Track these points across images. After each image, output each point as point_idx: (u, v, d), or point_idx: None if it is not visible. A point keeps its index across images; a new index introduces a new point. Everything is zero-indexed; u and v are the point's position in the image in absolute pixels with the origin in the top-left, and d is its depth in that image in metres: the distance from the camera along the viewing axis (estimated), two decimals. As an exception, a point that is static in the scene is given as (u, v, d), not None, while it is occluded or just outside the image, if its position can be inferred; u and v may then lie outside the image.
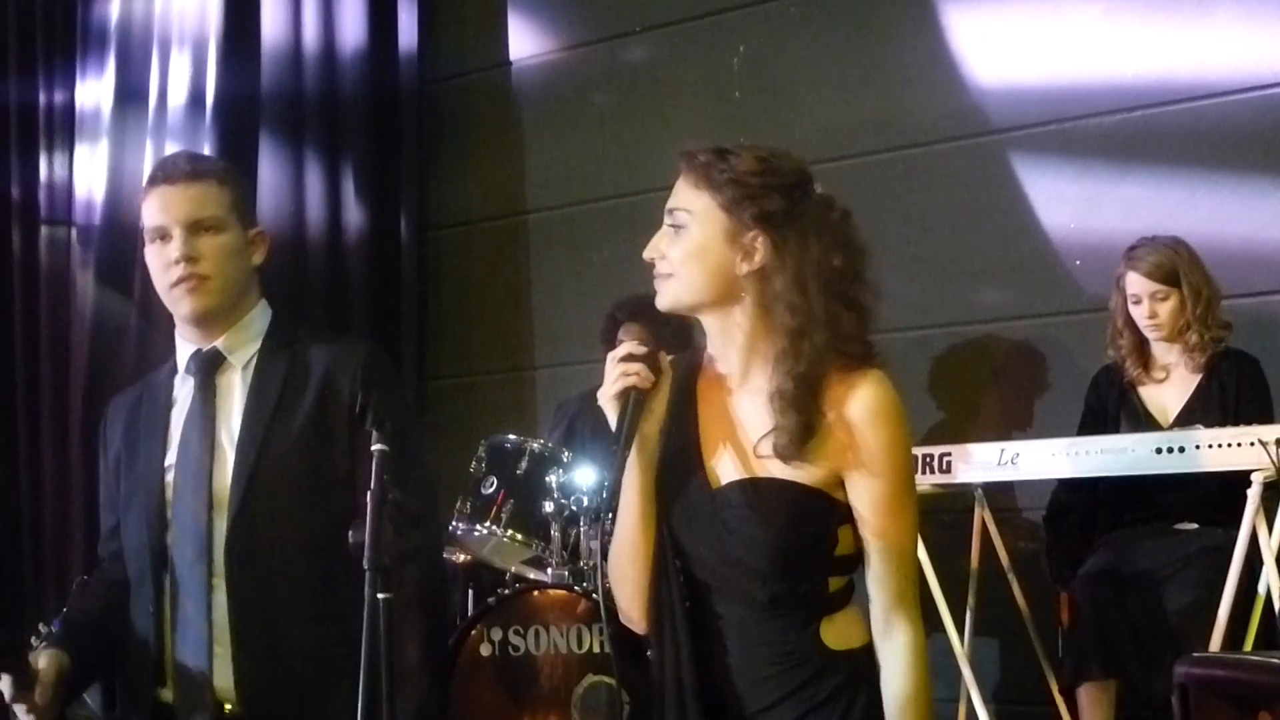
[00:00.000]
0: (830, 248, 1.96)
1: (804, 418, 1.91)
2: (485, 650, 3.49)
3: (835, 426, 1.93)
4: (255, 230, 2.49)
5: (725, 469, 1.99)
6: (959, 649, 3.71)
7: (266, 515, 2.32)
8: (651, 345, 2.01)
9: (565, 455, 3.71)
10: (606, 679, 3.41)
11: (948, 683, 3.92)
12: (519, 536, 3.69)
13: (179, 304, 2.37)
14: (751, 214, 1.94)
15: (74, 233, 5.73)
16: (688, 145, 2.03)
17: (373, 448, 2.02)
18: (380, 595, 1.99)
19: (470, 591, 3.99)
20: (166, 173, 2.40)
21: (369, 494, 2.01)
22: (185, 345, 2.47)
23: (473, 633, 3.51)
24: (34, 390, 5.64)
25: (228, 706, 2.31)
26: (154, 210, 2.36)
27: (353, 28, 5.45)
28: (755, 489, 1.95)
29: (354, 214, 5.41)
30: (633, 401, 1.94)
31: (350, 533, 1.99)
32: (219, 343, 2.42)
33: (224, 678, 2.31)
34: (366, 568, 1.96)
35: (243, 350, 2.43)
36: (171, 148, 5.59)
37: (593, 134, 5.34)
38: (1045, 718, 3.95)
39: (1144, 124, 4.40)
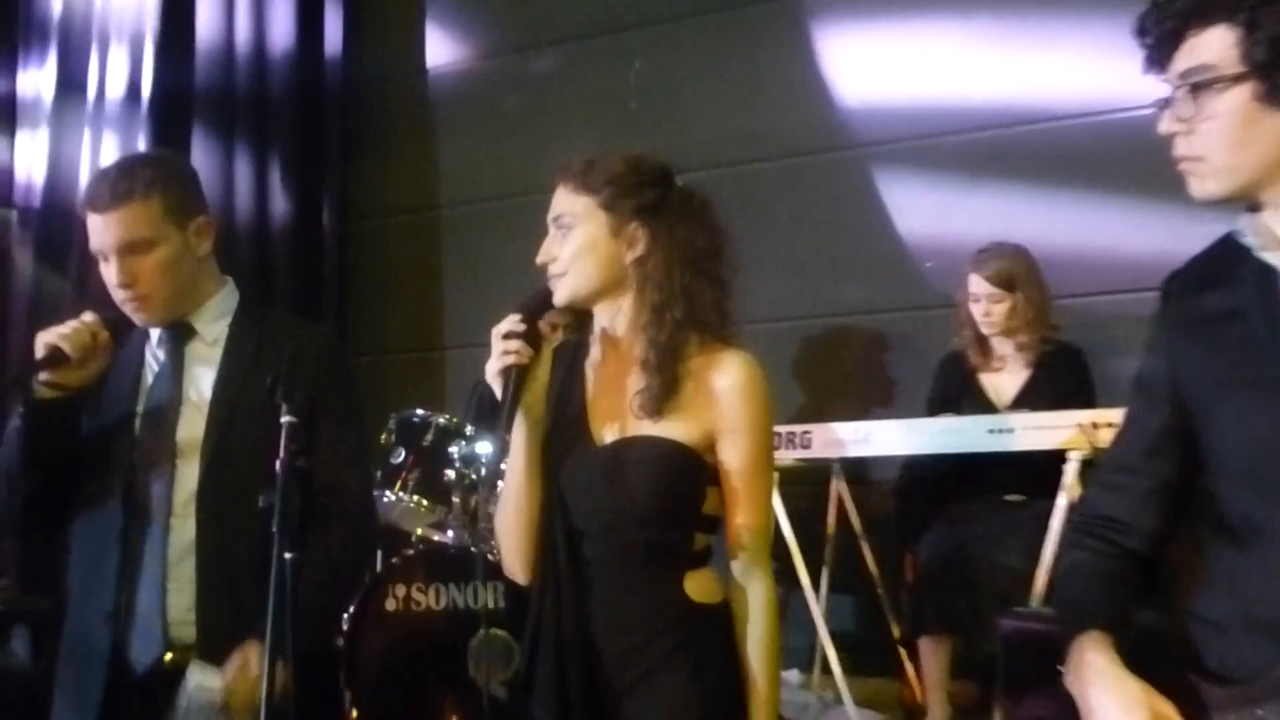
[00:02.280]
0: (694, 231, 2.06)
1: (665, 379, 1.98)
2: (390, 605, 3.48)
3: (702, 396, 1.99)
4: (197, 222, 2.39)
5: (609, 431, 2.05)
6: (815, 604, 3.80)
7: (235, 466, 2.30)
8: (529, 316, 2.02)
9: (468, 429, 3.73)
10: (499, 631, 3.44)
11: (806, 633, 4.00)
12: (424, 502, 3.72)
13: (132, 316, 2.37)
14: (630, 208, 2.03)
15: (14, 215, 5.62)
16: (568, 156, 2.09)
17: (282, 419, 2.04)
18: (286, 555, 2.03)
19: (380, 552, 4.00)
20: (93, 200, 2.31)
21: (278, 461, 2.03)
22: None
23: (379, 589, 3.52)
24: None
25: (170, 654, 2.29)
26: (91, 234, 2.32)
27: (282, 29, 5.40)
28: (633, 444, 2.01)
29: (280, 204, 5.36)
30: (514, 377, 1.97)
31: (260, 496, 2.00)
32: (189, 319, 2.42)
33: (179, 612, 2.29)
34: (274, 529, 1.99)
35: (213, 326, 2.43)
36: (109, 137, 5.51)
37: (501, 137, 5.34)
38: (890, 665, 4.07)
39: (992, 143, 4.51)
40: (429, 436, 3.73)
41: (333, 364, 2.44)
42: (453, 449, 3.70)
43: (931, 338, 4.39)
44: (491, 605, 3.46)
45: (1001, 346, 3.95)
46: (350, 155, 5.54)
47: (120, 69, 5.50)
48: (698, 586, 2.02)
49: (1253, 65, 1.49)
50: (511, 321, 2.00)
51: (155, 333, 2.46)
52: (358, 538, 2.48)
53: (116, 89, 5.51)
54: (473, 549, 3.57)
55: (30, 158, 5.63)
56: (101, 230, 2.29)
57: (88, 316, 2.28)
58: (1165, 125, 1.53)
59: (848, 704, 3.52)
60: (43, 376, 2.24)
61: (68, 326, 2.24)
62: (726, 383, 1.99)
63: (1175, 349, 1.68)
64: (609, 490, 2.00)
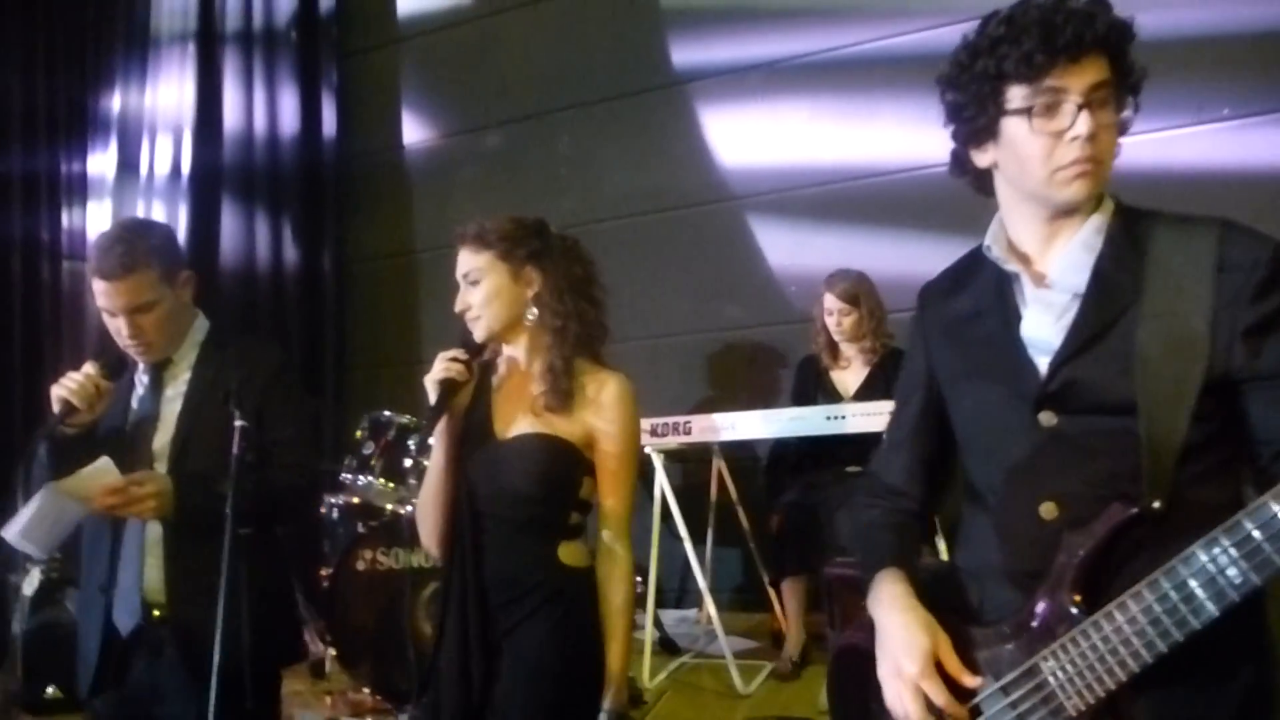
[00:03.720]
0: (573, 264, 2.00)
1: (563, 385, 1.92)
2: (360, 565, 3.37)
3: (587, 405, 1.93)
4: (183, 276, 2.22)
5: (508, 430, 1.96)
6: (696, 558, 3.65)
7: (195, 466, 2.16)
8: (471, 354, 1.96)
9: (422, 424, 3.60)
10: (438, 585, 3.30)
11: (691, 585, 3.90)
12: (389, 484, 3.58)
13: (138, 358, 2.20)
14: (522, 255, 1.96)
15: (87, 267, 5.48)
16: (462, 224, 2.02)
17: (235, 424, 2.01)
18: (242, 531, 1.99)
19: (358, 523, 3.87)
20: (102, 270, 2.12)
21: (232, 456, 2.00)
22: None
23: (351, 553, 3.39)
24: (51, 370, 5.38)
25: (156, 611, 2.15)
26: (99, 295, 2.14)
27: (289, 118, 5.30)
28: (524, 439, 1.93)
29: (291, 253, 5.24)
30: (446, 388, 1.90)
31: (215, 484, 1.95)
32: (169, 354, 2.25)
33: (153, 584, 2.16)
34: (228, 510, 1.95)
35: (187, 355, 2.26)
36: (157, 205, 5.40)
37: (462, 197, 5.25)
38: (760, 604, 3.96)
39: (835, 193, 4.46)
40: (392, 432, 3.60)
41: (278, 374, 2.29)
42: (410, 441, 3.57)
43: (793, 345, 4.31)
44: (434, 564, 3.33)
45: (847, 350, 3.85)
46: (344, 214, 5.43)
47: (166, 152, 5.43)
48: (569, 553, 1.93)
49: (1129, 89, 1.35)
50: (457, 350, 1.95)
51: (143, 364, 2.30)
52: (302, 472, 2.28)
53: (163, 168, 5.44)
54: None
55: (98, 222, 5.54)
56: (111, 295, 2.12)
57: (89, 368, 2.10)
58: (1085, 126, 1.28)
59: (722, 635, 3.40)
60: (60, 425, 2.09)
61: (74, 381, 2.07)
62: (605, 396, 1.94)
63: (929, 347, 1.57)
64: (503, 475, 1.92)
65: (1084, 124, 1.29)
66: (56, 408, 2.06)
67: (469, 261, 1.98)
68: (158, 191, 5.40)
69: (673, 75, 4.85)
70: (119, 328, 2.15)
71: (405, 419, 3.64)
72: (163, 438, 2.21)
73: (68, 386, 2.07)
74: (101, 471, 2.04)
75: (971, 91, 1.38)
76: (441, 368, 1.92)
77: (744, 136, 4.70)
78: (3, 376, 5.55)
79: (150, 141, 5.54)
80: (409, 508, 3.56)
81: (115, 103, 5.66)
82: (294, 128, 5.28)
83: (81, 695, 2.21)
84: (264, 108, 5.31)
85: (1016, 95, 1.32)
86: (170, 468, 2.18)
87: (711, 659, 3.66)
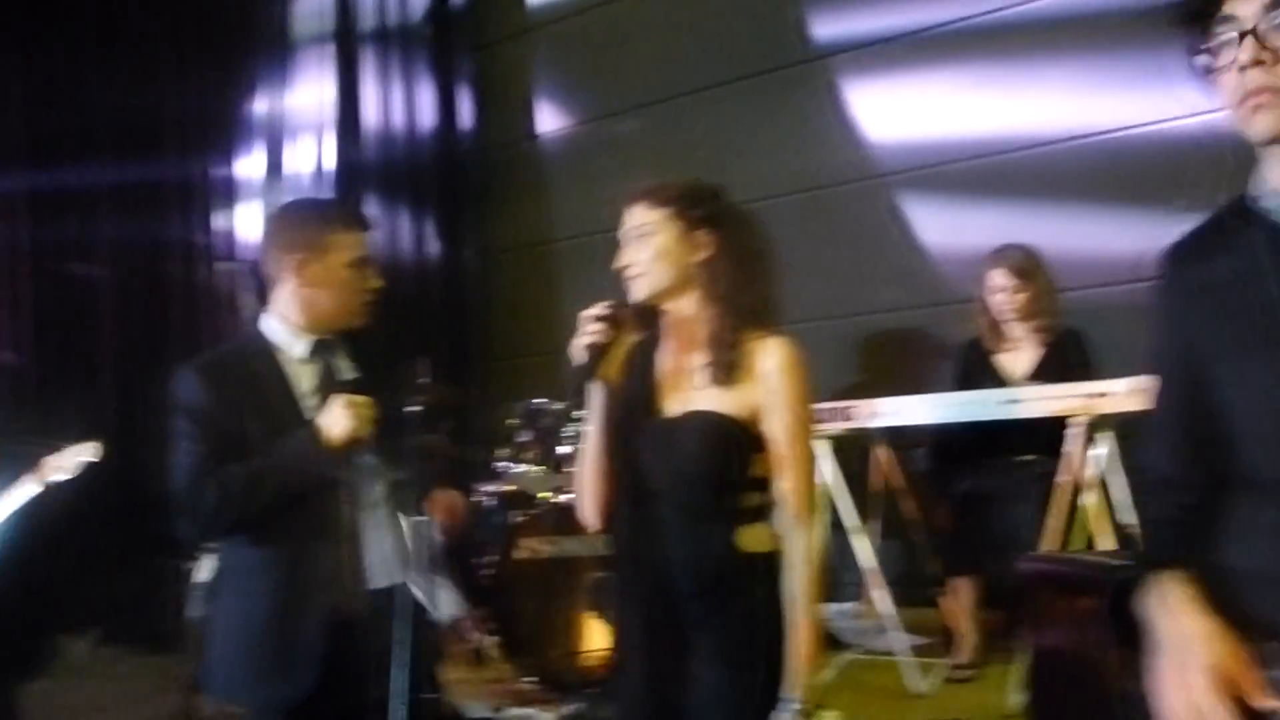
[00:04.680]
0: (747, 236, 1.91)
1: (726, 355, 1.82)
2: (521, 554, 3.35)
3: (753, 376, 1.82)
4: None
5: (673, 406, 1.87)
6: (867, 549, 3.53)
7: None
8: (616, 312, 1.85)
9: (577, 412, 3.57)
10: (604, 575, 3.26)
11: (849, 577, 3.77)
12: (544, 471, 3.57)
13: (362, 317, 2.18)
14: (697, 217, 1.87)
15: (239, 267, 5.70)
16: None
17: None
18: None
19: (515, 512, 3.86)
20: (364, 221, 2.22)
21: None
22: (293, 331, 2.18)
23: (512, 543, 3.37)
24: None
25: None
26: (349, 247, 2.14)
27: (426, 113, 5.35)
28: (691, 418, 1.84)
29: (432, 247, 5.30)
30: (594, 353, 1.82)
31: None
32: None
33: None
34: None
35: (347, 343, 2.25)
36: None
37: (598, 184, 5.20)
38: (924, 599, 3.81)
39: (993, 166, 4.23)
40: (547, 420, 3.57)
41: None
42: (566, 428, 3.54)
43: (948, 329, 4.10)
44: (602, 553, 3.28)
45: (1015, 331, 3.63)
46: (483, 206, 5.45)
47: (309, 153, 5.54)
48: (752, 538, 1.82)
49: None
50: (598, 308, 1.86)
51: (300, 349, 2.19)
52: None
53: (307, 168, 5.54)
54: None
55: (247, 224, 5.71)
56: (364, 245, 2.17)
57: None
58: (1248, 54, 1.19)
59: (897, 628, 3.26)
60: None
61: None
62: (770, 364, 1.81)
63: (1180, 317, 1.39)
64: (670, 456, 1.83)
65: (1246, 52, 1.18)
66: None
67: (641, 216, 1.88)
68: (303, 191, 5.53)
69: (811, 49, 4.71)
70: (371, 281, 2.15)
71: (558, 405, 3.61)
72: None
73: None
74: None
75: (1187, 39, 1.27)
76: (584, 330, 1.84)
77: (889, 110, 4.53)
78: (161, 380, 5.76)
79: (293, 143, 5.68)
80: (566, 496, 3.53)
81: (259, 106, 5.81)
82: (431, 122, 5.34)
83: None
84: (401, 104, 5.38)
85: (1203, 33, 1.24)
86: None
87: (878, 655, 3.52)
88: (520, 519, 3.46)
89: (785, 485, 1.82)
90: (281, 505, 2.01)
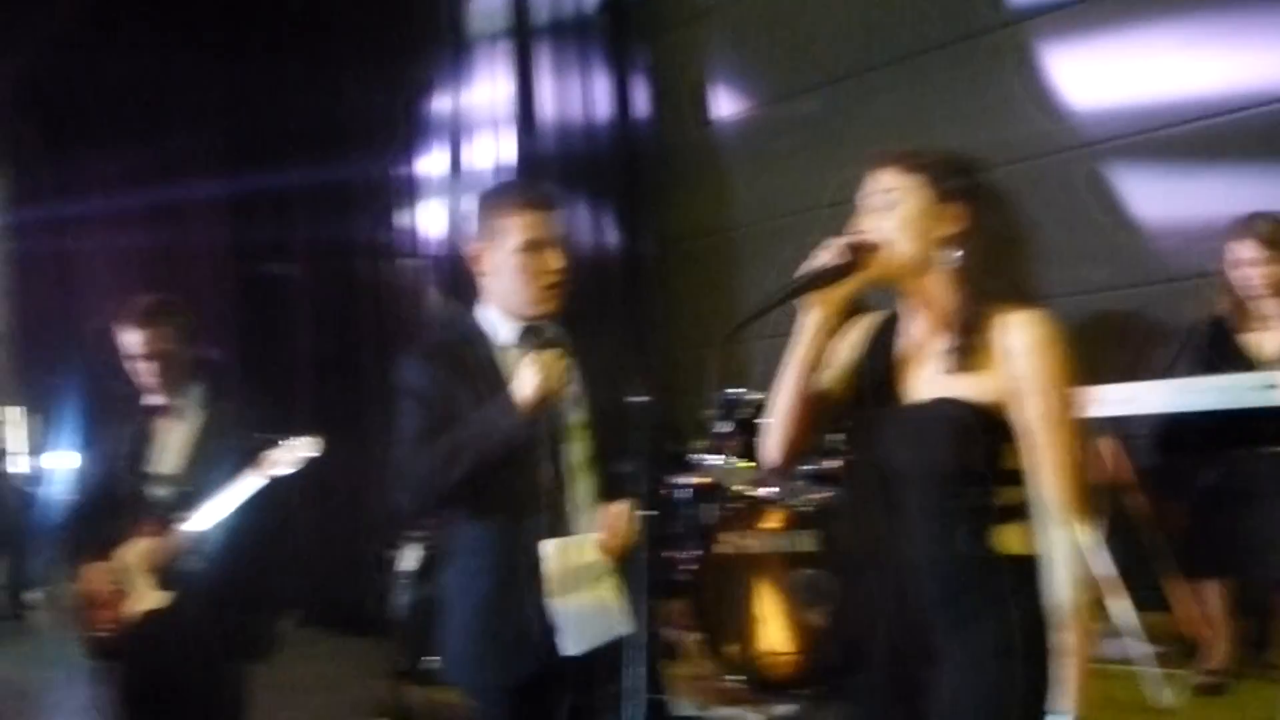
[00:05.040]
0: (1002, 213, 1.73)
1: (971, 339, 1.64)
2: (723, 549, 3.25)
3: (1002, 356, 1.64)
4: None
5: (913, 393, 1.72)
6: (1092, 547, 3.26)
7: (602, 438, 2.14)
8: (863, 241, 1.69)
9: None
10: (816, 569, 3.13)
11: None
12: (744, 464, 3.45)
13: (547, 301, 2.12)
14: (950, 188, 1.69)
15: (422, 263, 5.85)
16: (884, 147, 1.76)
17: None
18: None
19: (714, 505, 3.76)
20: (543, 199, 2.15)
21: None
22: (505, 318, 2.16)
23: (713, 537, 3.28)
24: (394, 366, 5.79)
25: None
26: (533, 226, 2.09)
27: (602, 105, 5.31)
28: (936, 405, 1.67)
29: (611, 239, 5.26)
30: (826, 271, 1.66)
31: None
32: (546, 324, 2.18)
33: None
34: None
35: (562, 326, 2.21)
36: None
37: (777, 169, 5.06)
38: (1157, 603, 3.48)
39: (1219, 128, 3.85)
40: (746, 410, 3.46)
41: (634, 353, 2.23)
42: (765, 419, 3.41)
43: (1165, 308, 3.76)
44: (803, 549, 3.16)
45: (1263, 308, 3.28)
46: (661, 196, 5.38)
47: (487, 149, 5.62)
48: (1006, 539, 1.64)
49: None
50: (848, 236, 1.70)
51: (506, 335, 2.17)
52: None
53: (485, 163, 5.62)
54: (786, 502, 3.28)
55: (429, 221, 5.85)
56: (549, 225, 2.12)
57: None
58: None
59: (1138, 636, 3.00)
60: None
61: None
62: (1021, 342, 1.62)
63: None
64: (911, 448, 1.67)
65: None
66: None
67: (892, 180, 1.70)
68: (483, 188, 5.61)
69: (1005, 14, 4.42)
70: (550, 264, 2.09)
71: (758, 395, 3.49)
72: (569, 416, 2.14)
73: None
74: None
75: None
76: (828, 248, 1.67)
77: (1094, 75, 4.18)
78: (354, 373, 5.98)
79: (471, 140, 5.77)
80: (768, 490, 3.41)
81: (438, 105, 5.93)
82: (607, 113, 5.30)
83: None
84: (577, 95, 5.37)
85: None
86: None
87: (1112, 664, 3.25)
88: (722, 513, 3.35)
89: (1043, 478, 1.62)
90: (485, 475, 2.01)
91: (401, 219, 6.00)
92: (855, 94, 4.82)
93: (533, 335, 2.15)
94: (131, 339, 2.72)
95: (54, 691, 6.17)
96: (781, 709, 3.03)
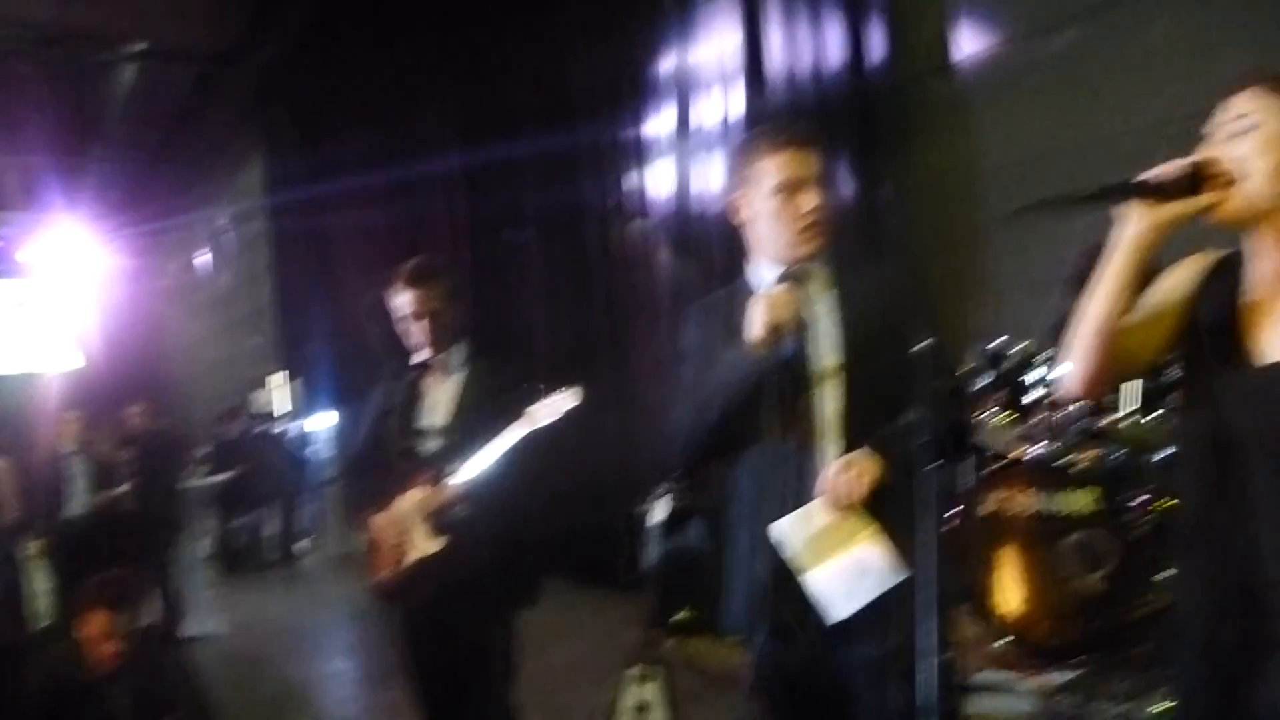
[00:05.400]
0: None
1: None
2: (987, 508, 3.08)
3: None
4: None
5: (1263, 352, 1.51)
6: None
7: (868, 390, 2.02)
8: (1217, 170, 1.52)
9: (1048, 353, 3.20)
10: (1089, 533, 2.90)
11: None
12: (1009, 419, 3.25)
13: (805, 245, 2.04)
14: None
15: (652, 223, 5.89)
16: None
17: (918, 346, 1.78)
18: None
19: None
20: (795, 138, 2.06)
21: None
22: (772, 266, 2.11)
23: (976, 497, 3.11)
24: (626, 326, 5.87)
25: None
26: (786, 166, 2.03)
27: (835, 51, 5.12)
28: None
29: (847, 190, 5.09)
30: (1152, 184, 1.51)
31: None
32: (811, 265, 2.08)
33: None
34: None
35: (827, 268, 2.08)
36: (713, 158, 5.55)
37: (1026, 110, 4.71)
38: None
39: None
40: (1011, 361, 3.25)
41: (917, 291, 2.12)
42: (1031, 374, 3.20)
43: None
44: (1073, 511, 2.94)
45: None
46: (899, 144, 5.14)
47: (715, 106, 5.56)
48: None
49: None
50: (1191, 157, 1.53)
51: (768, 278, 2.11)
52: None
53: (713, 121, 5.57)
54: (1054, 465, 3.06)
55: (658, 181, 5.87)
56: (805, 162, 2.04)
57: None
58: None
59: None
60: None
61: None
62: None
63: None
64: (1264, 413, 1.47)
65: None
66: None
67: (1246, 105, 1.52)
68: (712, 146, 5.56)
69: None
70: (804, 205, 2.01)
71: (1025, 345, 3.27)
72: (826, 359, 2.05)
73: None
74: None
75: None
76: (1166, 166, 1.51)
77: None
78: (590, 333, 6.12)
79: (699, 98, 5.72)
80: (1037, 447, 3.21)
81: (664, 65, 5.92)
82: (841, 59, 5.11)
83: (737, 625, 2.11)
84: (809, 44, 5.20)
85: None
86: (846, 392, 2.03)
87: None
88: (985, 470, 3.18)
89: None
90: (734, 422, 2.00)
91: (630, 181, 6.06)
92: (1120, 22, 4.40)
93: (791, 279, 2.07)
94: (402, 299, 2.86)
95: (325, 632, 6.76)
96: (1057, 677, 2.85)
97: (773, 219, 2.05)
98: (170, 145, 10.85)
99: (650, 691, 3.07)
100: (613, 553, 5.21)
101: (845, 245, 2.18)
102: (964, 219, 5.01)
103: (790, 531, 1.98)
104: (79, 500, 5.79)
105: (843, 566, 1.94)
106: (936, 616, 1.73)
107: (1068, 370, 1.65)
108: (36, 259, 9.64)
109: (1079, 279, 1.61)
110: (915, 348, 1.85)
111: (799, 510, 1.98)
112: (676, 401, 2.10)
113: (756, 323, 1.96)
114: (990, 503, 3.07)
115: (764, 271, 2.11)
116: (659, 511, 3.44)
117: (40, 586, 4.41)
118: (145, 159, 11.00)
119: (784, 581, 1.97)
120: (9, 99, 8.77)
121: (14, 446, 5.04)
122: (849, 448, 2.01)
